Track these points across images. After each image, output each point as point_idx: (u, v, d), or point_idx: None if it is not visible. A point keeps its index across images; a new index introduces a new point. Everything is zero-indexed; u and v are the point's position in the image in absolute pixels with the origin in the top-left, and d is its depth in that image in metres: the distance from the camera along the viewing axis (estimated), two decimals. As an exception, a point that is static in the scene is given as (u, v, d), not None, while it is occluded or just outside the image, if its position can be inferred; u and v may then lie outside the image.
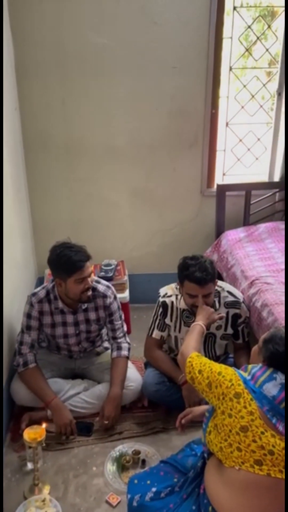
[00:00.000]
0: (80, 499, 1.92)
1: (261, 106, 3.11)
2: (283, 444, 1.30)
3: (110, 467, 2.04)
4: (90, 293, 2.21)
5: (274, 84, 3.04)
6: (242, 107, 3.10)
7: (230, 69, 2.99)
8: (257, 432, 1.32)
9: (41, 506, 1.81)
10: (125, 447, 2.13)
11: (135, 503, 1.60)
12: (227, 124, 3.12)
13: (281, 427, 1.31)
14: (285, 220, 2.81)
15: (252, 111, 3.12)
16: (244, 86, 3.07)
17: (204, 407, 1.81)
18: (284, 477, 1.29)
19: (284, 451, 1.30)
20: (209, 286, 2.10)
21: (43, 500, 1.83)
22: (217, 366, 1.51)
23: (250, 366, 1.44)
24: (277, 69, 2.98)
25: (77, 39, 2.73)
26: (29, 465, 1.96)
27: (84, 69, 2.80)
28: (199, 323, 1.95)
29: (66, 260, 2.10)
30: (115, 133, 2.97)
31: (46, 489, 1.94)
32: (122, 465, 2.04)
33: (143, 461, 2.06)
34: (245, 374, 1.43)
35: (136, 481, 1.68)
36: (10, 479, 2.01)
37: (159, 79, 2.86)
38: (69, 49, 2.75)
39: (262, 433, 1.32)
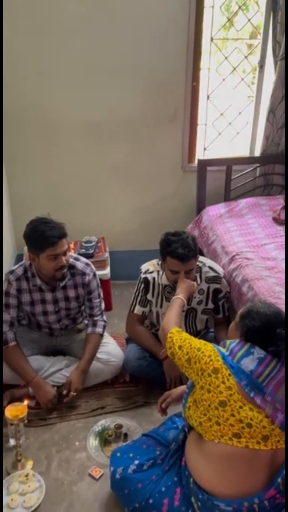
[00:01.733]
0: (63, 473, 1.95)
1: (243, 79, 3.06)
2: (261, 417, 1.33)
3: (93, 442, 2.06)
4: (64, 271, 2.17)
5: (256, 57, 2.99)
6: (224, 79, 3.04)
7: (212, 39, 2.92)
8: (236, 406, 1.34)
9: (24, 481, 1.83)
10: (107, 422, 2.15)
11: (118, 476, 1.63)
12: (208, 97, 3.06)
13: (259, 401, 1.33)
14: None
15: (233, 84, 3.07)
16: (226, 58, 3.01)
17: (182, 388, 1.83)
18: (262, 448, 1.32)
19: (261, 423, 1.33)
20: (191, 262, 2.10)
21: (26, 475, 1.85)
22: (196, 342, 1.52)
23: (228, 342, 1.46)
24: (259, 41, 2.92)
25: (53, 5, 2.62)
26: (12, 442, 1.96)
27: (61, 39, 2.70)
28: (179, 296, 1.96)
29: (39, 235, 2.06)
30: (93, 107, 2.89)
31: (29, 464, 1.96)
32: (105, 439, 2.07)
33: (125, 435, 2.09)
34: (224, 350, 1.44)
35: (118, 454, 1.70)
36: (-8, 456, 2.02)
37: (138, 49, 2.78)
38: (44, 17, 2.64)
39: (241, 407, 1.34)
